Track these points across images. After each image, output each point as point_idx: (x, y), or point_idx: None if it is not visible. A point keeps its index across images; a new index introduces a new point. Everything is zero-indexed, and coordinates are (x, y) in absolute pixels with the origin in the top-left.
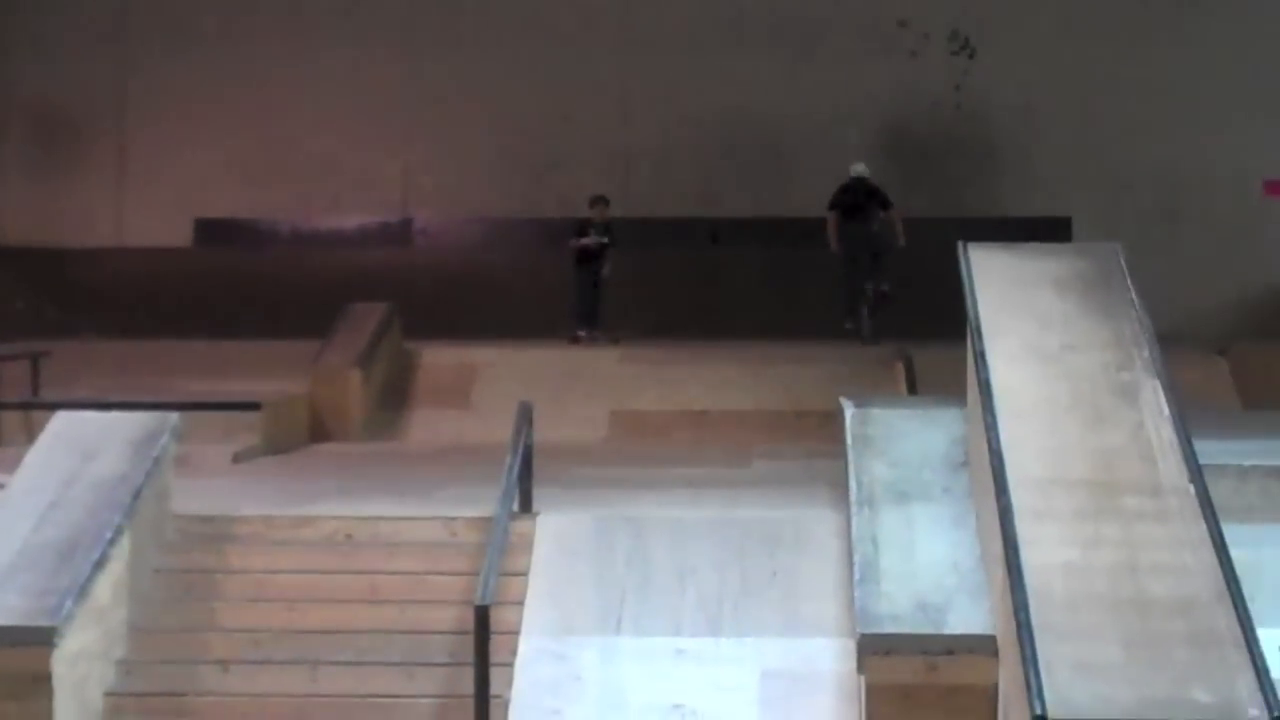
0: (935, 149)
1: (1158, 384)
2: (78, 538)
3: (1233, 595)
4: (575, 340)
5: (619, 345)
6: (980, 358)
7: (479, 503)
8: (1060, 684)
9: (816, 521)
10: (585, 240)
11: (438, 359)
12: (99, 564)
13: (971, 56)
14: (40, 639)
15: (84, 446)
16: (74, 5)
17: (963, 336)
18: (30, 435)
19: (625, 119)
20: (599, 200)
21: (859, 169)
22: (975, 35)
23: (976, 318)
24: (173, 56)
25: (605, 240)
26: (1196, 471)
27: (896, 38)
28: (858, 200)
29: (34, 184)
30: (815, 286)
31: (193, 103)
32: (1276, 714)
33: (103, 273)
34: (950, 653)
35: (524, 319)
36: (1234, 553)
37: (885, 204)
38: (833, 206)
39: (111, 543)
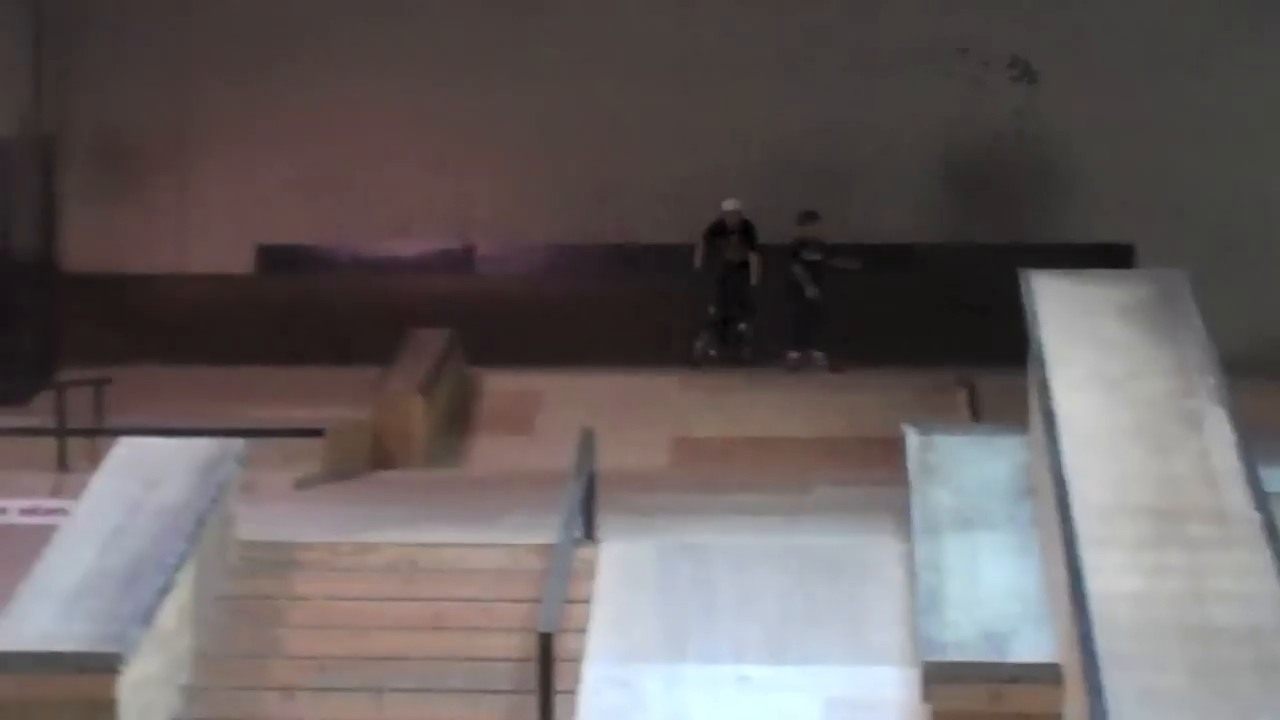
0: (996, 176)
1: (1222, 411)
2: (142, 564)
3: None
4: (795, 367)
5: (841, 374)
6: (1043, 385)
7: (542, 530)
8: (1125, 713)
9: (880, 549)
10: (808, 257)
11: (500, 385)
12: (164, 590)
13: (1032, 83)
14: (106, 665)
15: (148, 473)
16: (136, 35)
17: (1026, 363)
18: (94, 461)
19: (684, 145)
20: (811, 216)
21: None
22: (1036, 61)
23: (1040, 345)
24: (234, 84)
25: (819, 258)
26: (1262, 499)
27: (957, 64)
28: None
29: (97, 211)
30: (878, 312)
31: (255, 130)
32: None
33: (165, 299)
34: (1015, 681)
35: (586, 345)
36: None
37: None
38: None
39: (176, 569)
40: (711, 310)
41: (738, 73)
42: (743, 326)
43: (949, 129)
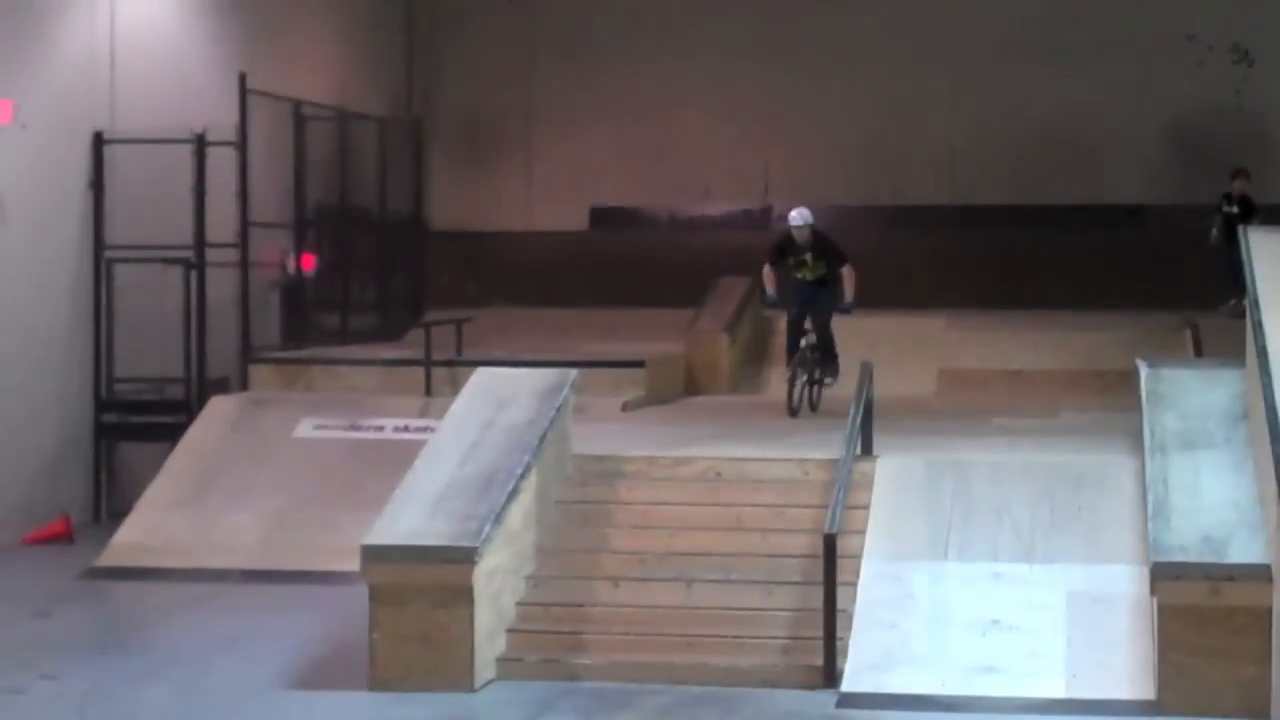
0: (1217, 145)
1: None
2: (494, 473)
3: None
4: (1232, 313)
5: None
6: (1258, 326)
7: (828, 447)
8: None
9: (1115, 465)
10: (1226, 209)
11: None
12: (512, 495)
13: (1251, 65)
14: (464, 557)
15: (499, 397)
16: (490, 30)
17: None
18: (455, 387)
19: (951, 119)
20: (1239, 173)
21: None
22: (1254, 47)
23: (1255, 291)
24: (571, 70)
25: (1235, 210)
26: None
27: (1185, 49)
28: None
29: (459, 180)
30: (1117, 264)
31: (588, 108)
32: None
33: (514, 252)
34: (1231, 579)
35: (865, 290)
36: None
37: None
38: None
39: (522, 477)
40: (792, 348)
41: (999, 59)
42: (828, 380)
43: (1177, 105)
